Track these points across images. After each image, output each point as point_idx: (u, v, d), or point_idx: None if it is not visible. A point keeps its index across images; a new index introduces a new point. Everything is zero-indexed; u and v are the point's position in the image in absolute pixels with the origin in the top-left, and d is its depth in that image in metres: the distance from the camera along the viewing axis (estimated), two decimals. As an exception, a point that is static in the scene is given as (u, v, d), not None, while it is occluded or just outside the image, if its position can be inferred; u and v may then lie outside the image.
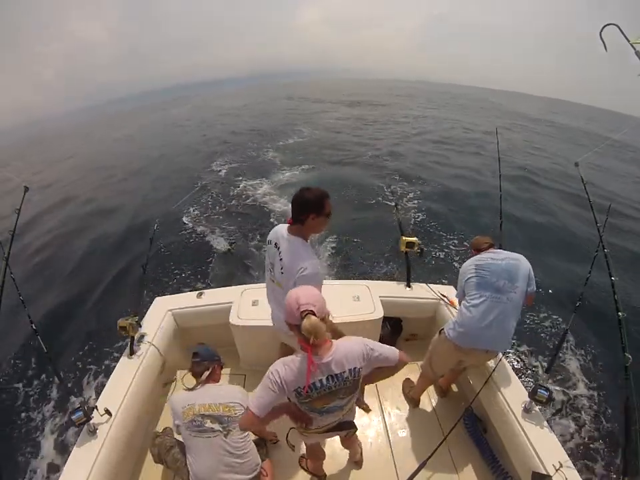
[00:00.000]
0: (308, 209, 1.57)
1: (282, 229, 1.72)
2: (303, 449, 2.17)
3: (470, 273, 2.01)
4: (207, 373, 1.78)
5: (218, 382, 1.87)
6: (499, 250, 2.11)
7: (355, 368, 1.25)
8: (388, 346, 1.36)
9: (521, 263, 1.96)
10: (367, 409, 1.50)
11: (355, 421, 1.58)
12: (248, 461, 1.66)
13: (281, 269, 1.65)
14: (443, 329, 2.12)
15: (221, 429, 1.62)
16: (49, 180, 13.05)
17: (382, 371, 1.39)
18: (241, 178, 9.94)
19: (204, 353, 1.84)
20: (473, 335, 1.93)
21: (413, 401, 2.49)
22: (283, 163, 11.20)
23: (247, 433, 1.70)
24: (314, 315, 1.13)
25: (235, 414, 1.65)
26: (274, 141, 14.68)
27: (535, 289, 1.98)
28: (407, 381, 2.62)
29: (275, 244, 1.71)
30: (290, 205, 1.63)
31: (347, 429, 1.52)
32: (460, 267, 2.14)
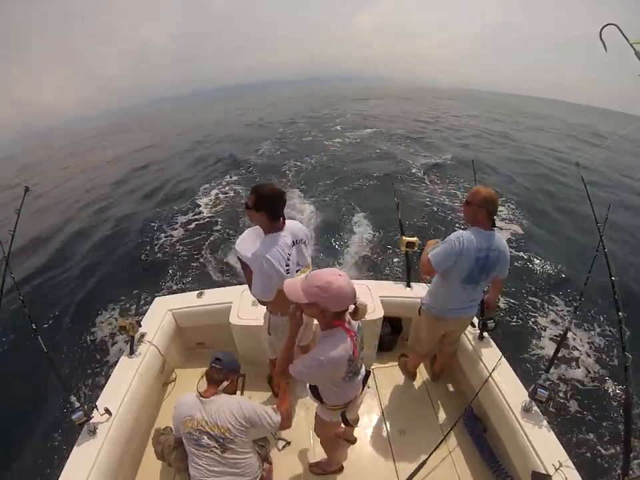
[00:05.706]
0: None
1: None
2: (315, 456, 2.12)
3: (467, 265, 1.81)
4: (225, 384, 1.61)
5: (234, 394, 1.72)
6: (494, 233, 1.83)
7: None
8: None
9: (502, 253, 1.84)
10: None
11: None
12: (246, 475, 1.57)
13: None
14: (421, 307, 2.24)
15: (217, 446, 1.51)
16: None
17: None
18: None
19: (227, 360, 1.65)
20: (449, 312, 2.09)
21: (409, 374, 2.68)
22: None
23: (247, 450, 1.59)
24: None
25: (230, 436, 1.50)
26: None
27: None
28: (403, 356, 2.81)
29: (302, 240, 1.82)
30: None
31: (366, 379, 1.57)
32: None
